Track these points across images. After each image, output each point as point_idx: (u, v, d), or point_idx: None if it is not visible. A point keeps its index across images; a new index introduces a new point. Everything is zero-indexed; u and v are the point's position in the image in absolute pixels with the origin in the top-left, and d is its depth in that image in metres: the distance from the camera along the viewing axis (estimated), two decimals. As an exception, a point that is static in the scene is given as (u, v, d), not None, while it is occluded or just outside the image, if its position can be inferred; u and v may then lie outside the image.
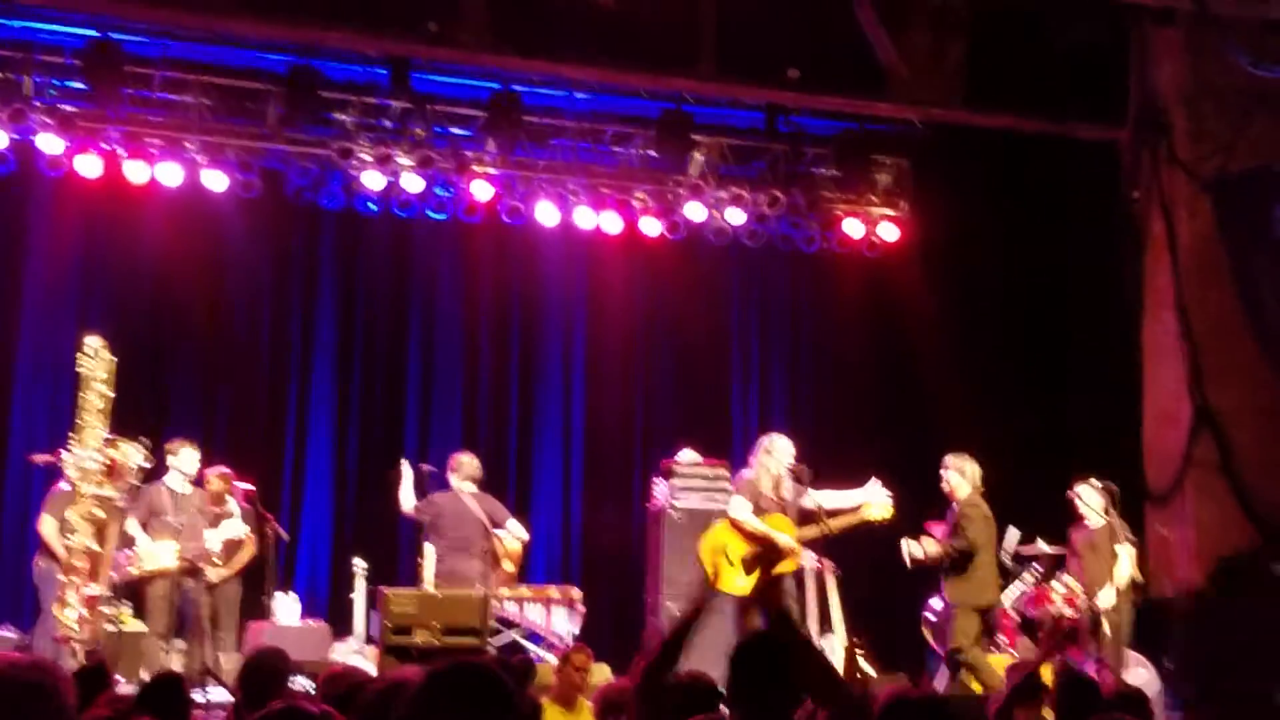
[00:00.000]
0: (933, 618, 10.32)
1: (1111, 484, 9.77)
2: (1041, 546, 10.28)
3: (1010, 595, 10.28)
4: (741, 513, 9.21)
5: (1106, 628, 9.48)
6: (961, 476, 9.56)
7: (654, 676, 3.78)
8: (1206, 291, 11.65)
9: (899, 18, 11.76)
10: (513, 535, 10.18)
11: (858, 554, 10.20)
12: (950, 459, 9.64)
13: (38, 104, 10.50)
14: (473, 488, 10.21)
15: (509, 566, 9.14)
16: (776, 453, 9.30)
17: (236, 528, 9.82)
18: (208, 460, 10.58)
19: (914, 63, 11.79)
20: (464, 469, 10.20)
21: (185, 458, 9.70)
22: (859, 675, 7.02)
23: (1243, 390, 11.45)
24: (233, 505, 9.90)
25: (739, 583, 9.09)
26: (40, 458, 9.70)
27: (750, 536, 9.12)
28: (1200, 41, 11.63)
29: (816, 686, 3.78)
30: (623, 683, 4.95)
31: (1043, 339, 12.71)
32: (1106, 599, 9.51)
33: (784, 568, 9.21)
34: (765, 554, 9.11)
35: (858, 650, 7.80)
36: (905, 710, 4.69)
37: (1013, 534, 10.31)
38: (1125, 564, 9.61)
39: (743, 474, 9.53)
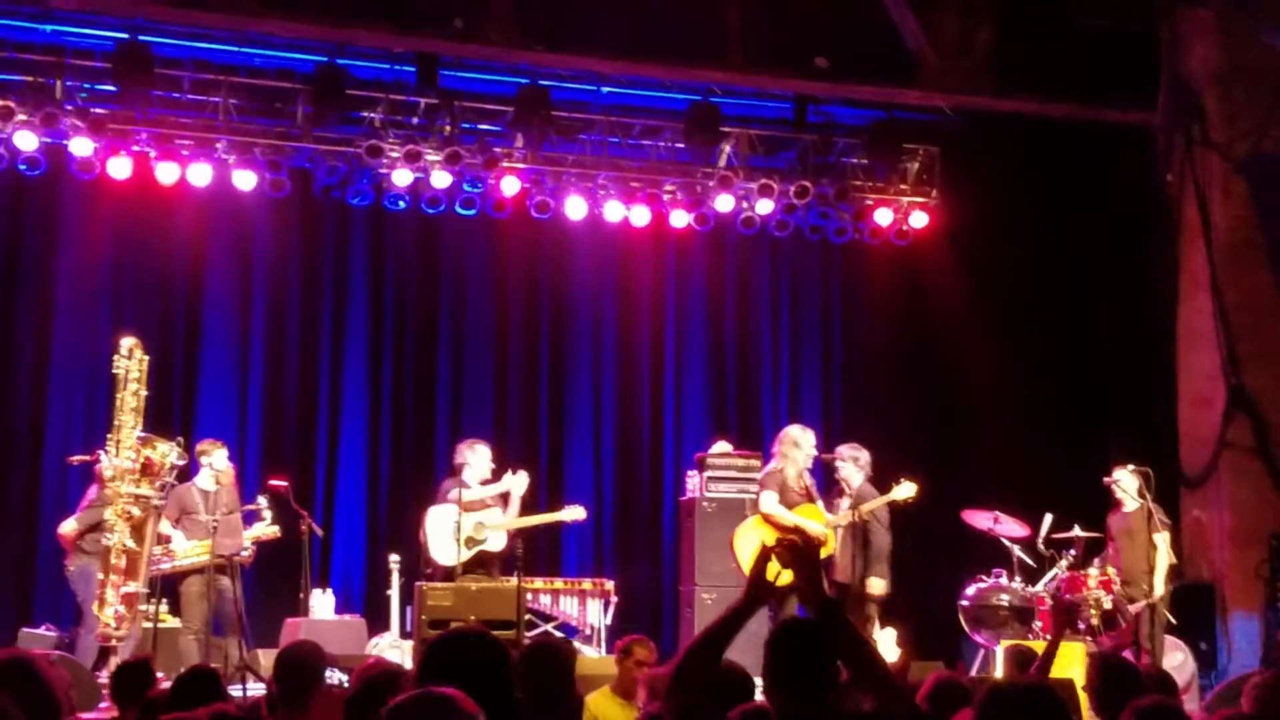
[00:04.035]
0: (969, 605, 10.28)
1: (1146, 468, 9.72)
2: (1076, 532, 10.21)
3: (1044, 580, 10.23)
4: (772, 506, 9.28)
5: (1145, 606, 9.46)
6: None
7: (697, 663, 3.72)
8: (1241, 273, 11.56)
9: (927, 4, 11.71)
10: None
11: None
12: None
13: (69, 107, 10.58)
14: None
15: None
16: (804, 445, 9.39)
17: (268, 526, 9.93)
18: (242, 458, 10.67)
19: (943, 49, 11.73)
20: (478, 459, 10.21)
21: (217, 458, 9.76)
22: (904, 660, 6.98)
23: (1278, 372, 11.36)
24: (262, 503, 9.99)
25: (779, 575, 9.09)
26: (77, 459, 9.80)
27: (782, 529, 9.12)
28: (1231, 22, 11.53)
29: (860, 671, 3.74)
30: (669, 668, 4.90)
31: (1075, 324, 12.62)
32: (1158, 589, 9.56)
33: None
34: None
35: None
36: (949, 693, 4.72)
37: (1047, 520, 10.25)
38: (1164, 552, 9.59)
39: (767, 467, 9.59)
